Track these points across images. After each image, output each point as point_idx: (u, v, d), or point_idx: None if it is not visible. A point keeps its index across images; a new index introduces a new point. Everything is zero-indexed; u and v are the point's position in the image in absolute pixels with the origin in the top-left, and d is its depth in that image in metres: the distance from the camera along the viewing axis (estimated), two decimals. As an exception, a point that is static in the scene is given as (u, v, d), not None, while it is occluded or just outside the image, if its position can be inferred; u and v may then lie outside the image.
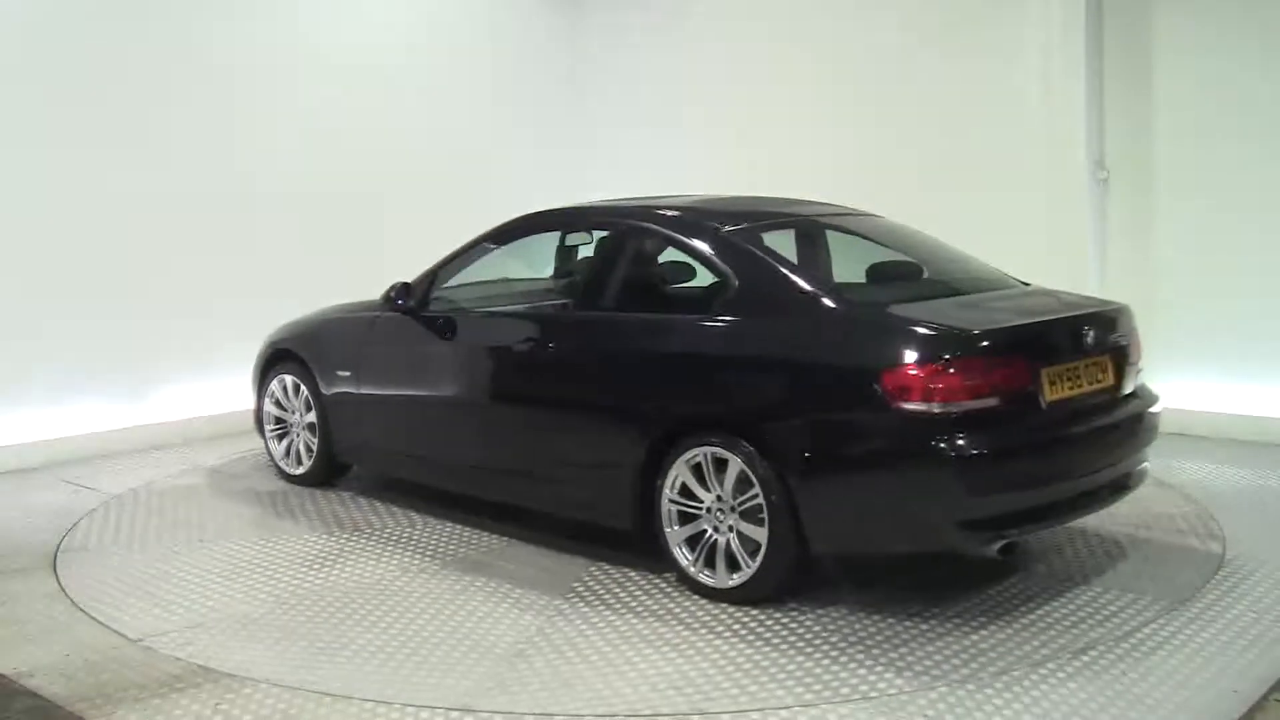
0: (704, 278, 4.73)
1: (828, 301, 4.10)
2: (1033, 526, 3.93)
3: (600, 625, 3.89)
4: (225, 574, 4.54)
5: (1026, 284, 4.80)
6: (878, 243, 4.96)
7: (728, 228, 4.48)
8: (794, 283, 4.19)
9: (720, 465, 4.00)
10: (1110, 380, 4.16)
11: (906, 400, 3.64)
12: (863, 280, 4.74)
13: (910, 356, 3.68)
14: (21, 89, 6.63)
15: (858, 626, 3.81)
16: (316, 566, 4.60)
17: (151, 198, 7.21)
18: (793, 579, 3.98)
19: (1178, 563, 4.41)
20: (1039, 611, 3.90)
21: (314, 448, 5.84)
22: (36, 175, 6.69)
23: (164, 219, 7.27)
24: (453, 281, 5.43)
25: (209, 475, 6.33)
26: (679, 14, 9.46)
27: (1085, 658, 3.49)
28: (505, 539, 4.93)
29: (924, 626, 3.78)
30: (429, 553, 4.79)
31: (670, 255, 4.81)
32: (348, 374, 5.60)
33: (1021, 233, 7.56)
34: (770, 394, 4.01)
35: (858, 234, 5.02)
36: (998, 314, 4.18)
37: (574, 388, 4.59)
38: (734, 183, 8.15)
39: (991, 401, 3.70)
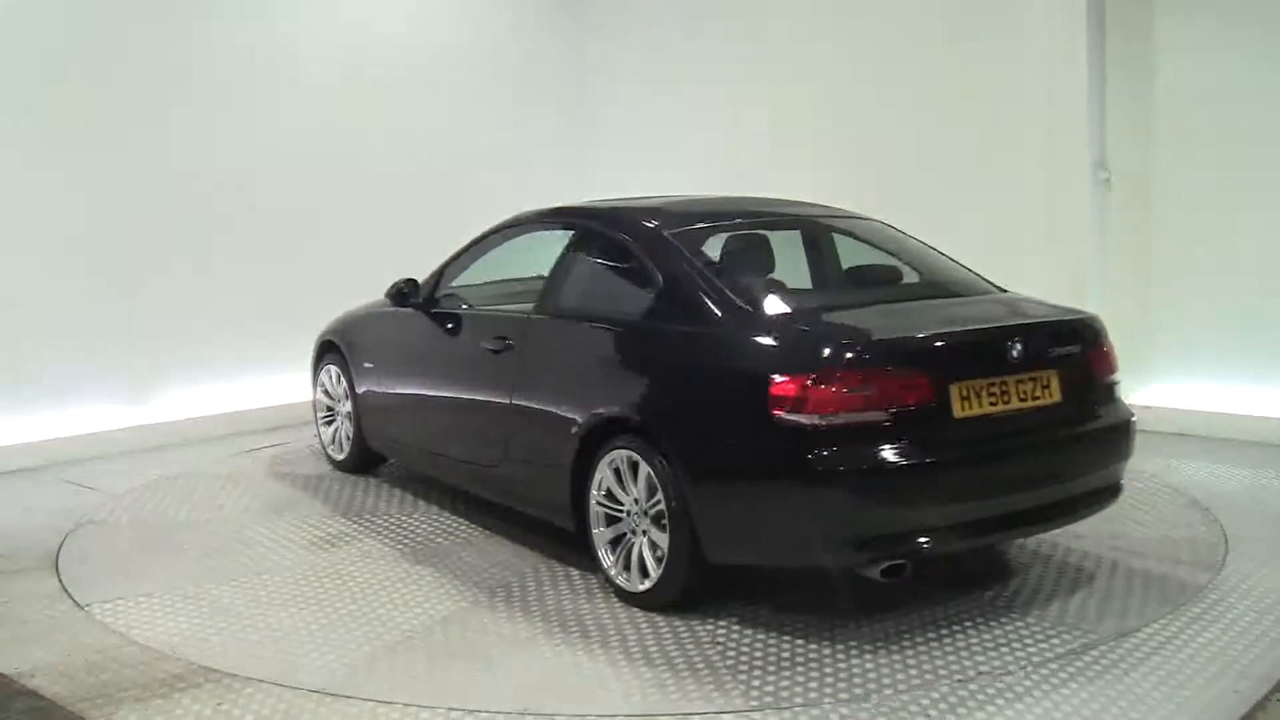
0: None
1: (733, 308, 3.96)
2: (930, 548, 3.65)
3: (499, 619, 3.97)
4: (225, 574, 4.54)
5: (1002, 290, 4.63)
6: (859, 243, 4.96)
7: (667, 230, 4.40)
8: (705, 287, 4.08)
9: (634, 469, 4.01)
10: (1055, 396, 3.89)
11: (787, 411, 3.52)
12: (806, 285, 4.71)
13: (792, 366, 3.58)
14: (22, 89, 6.63)
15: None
16: (316, 559, 4.61)
17: (152, 198, 7.21)
18: (700, 588, 3.92)
19: (1178, 563, 4.40)
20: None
21: (351, 436, 6.12)
22: (37, 175, 6.68)
23: (164, 219, 7.28)
24: (460, 279, 5.53)
25: (209, 475, 6.33)
26: (680, 15, 9.46)
27: (1085, 658, 3.49)
28: (485, 531, 5.05)
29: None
30: (401, 540, 4.87)
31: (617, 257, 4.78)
32: (371, 366, 5.90)
33: (1022, 233, 7.57)
34: (672, 399, 4.00)
35: (847, 235, 4.99)
36: (916, 324, 3.95)
37: (527, 388, 4.65)
38: (734, 183, 8.16)
39: (879, 415, 3.53)
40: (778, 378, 3.56)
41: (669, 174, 8.90)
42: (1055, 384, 3.92)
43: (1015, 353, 3.80)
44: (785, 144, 8.76)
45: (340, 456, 6.27)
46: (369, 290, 8.17)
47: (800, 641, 3.69)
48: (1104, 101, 7.14)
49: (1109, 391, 4.21)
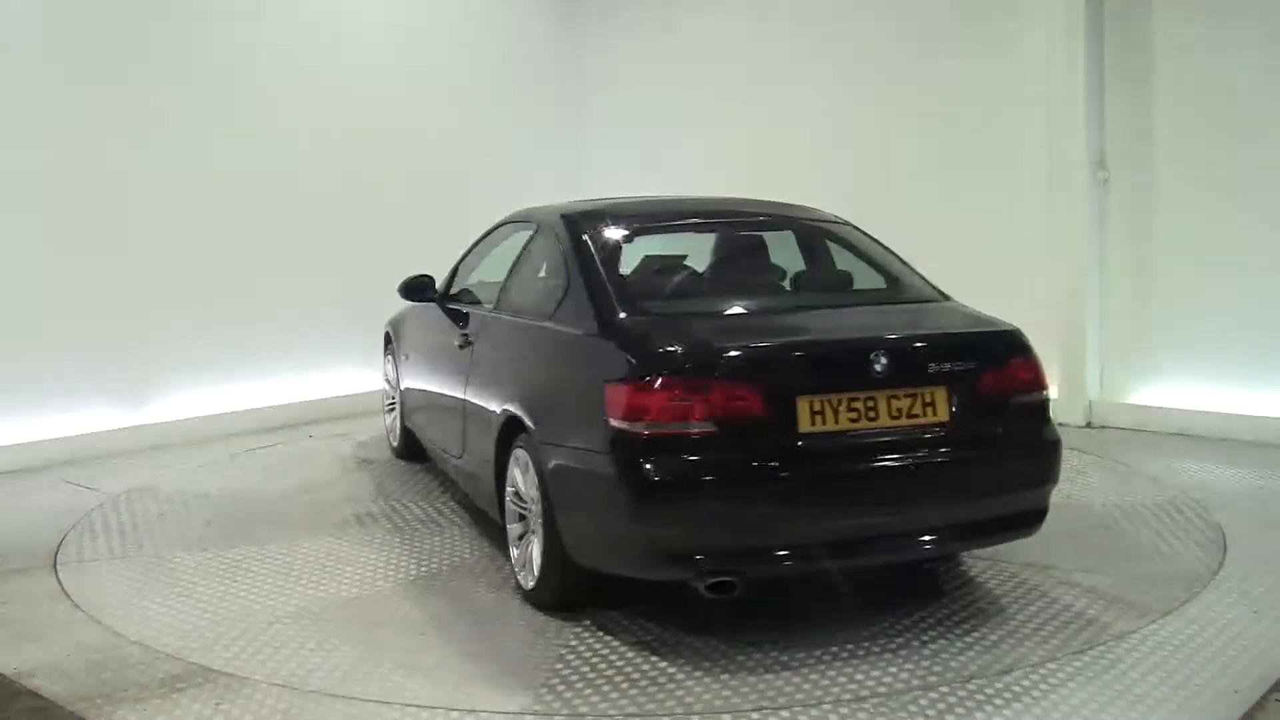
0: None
1: (608, 312, 3.92)
2: (764, 567, 3.55)
3: (415, 607, 4.12)
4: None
5: (944, 298, 4.38)
6: (806, 248, 4.94)
7: (587, 231, 4.37)
8: (595, 290, 4.06)
9: (528, 468, 4.03)
10: (940, 415, 3.63)
11: (618, 418, 3.47)
12: (722, 289, 4.57)
13: (625, 373, 3.55)
14: (22, 89, 6.63)
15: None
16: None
17: (152, 198, 7.21)
18: (577, 591, 3.89)
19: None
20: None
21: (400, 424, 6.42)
22: (37, 175, 6.68)
23: (164, 219, 7.28)
24: (478, 275, 5.61)
25: (209, 475, 6.33)
26: (679, 15, 9.46)
27: (1085, 658, 3.49)
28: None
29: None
30: (400, 540, 4.85)
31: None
32: (406, 358, 6.20)
33: (1022, 232, 7.58)
34: (546, 399, 4.04)
35: (801, 238, 4.95)
36: (772, 334, 3.84)
37: (474, 383, 4.77)
38: (734, 183, 8.17)
39: (707, 427, 3.42)
40: (612, 384, 3.54)
41: (669, 173, 8.92)
42: (942, 402, 3.64)
43: (879, 367, 3.56)
44: (784, 143, 8.76)
45: (395, 444, 6.60)
46: (369, 290, 8.18)
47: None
48: (1103, 101, 7.14)
49: (1026, 411, 3.84)
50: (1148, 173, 7.02)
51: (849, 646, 3.64)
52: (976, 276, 7.80)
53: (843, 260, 4.78)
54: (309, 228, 8.06)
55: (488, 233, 5.64)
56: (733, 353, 3.59)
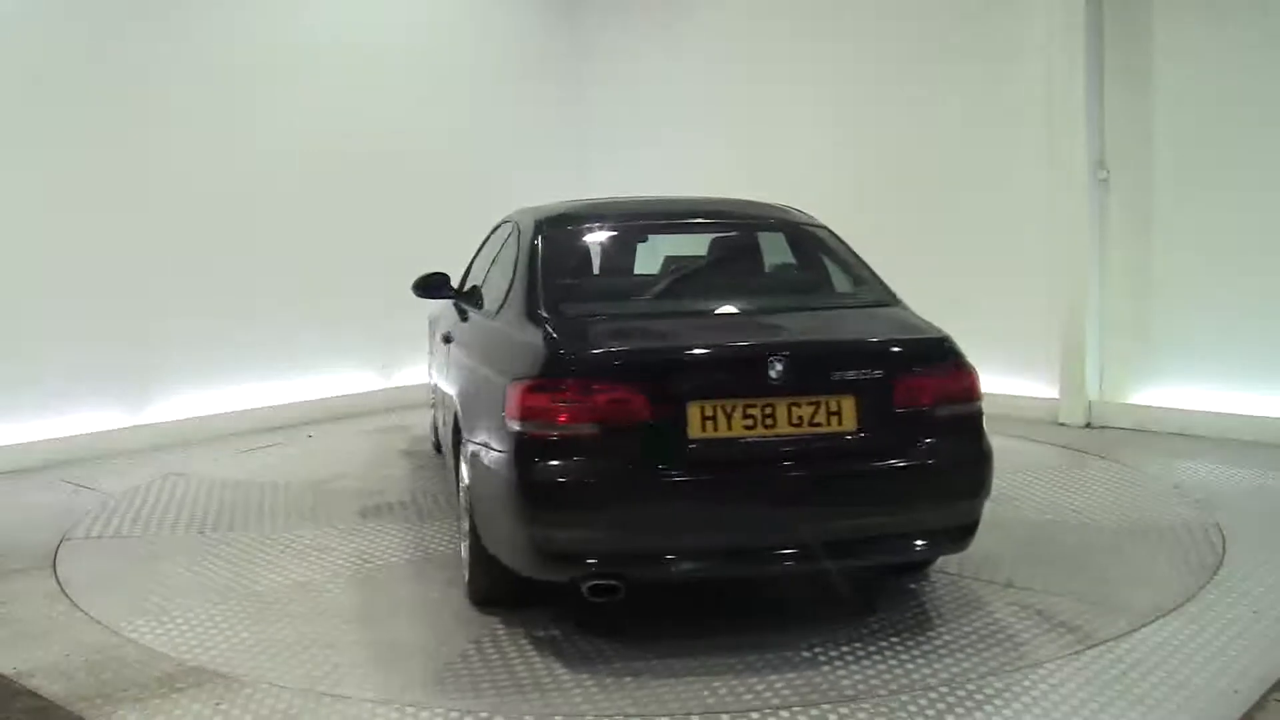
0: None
1: (529, 311, 3.96)
2: (650, 572, 3.52)
3: (359, 597, 4.20)
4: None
5: (893, 304, 4.19)
6: (766, 250, 4.91)
7: (542, 231, 4.40)
8: (527, 289, 4.09)
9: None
10: (847, 424, 3.52)
11: (512, 418, 3.49)
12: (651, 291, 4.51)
13: (518, 373, 3.56)
14: (23, 90, 6.63)
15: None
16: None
17: (153, 198, 7.22)
18: (503, 589, 3.89)
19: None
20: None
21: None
22: (37, 175, 6.69)
23: (165, 219, 7.29)
24: (477, 276, 5.61)
25: (208, 475, 6.33)
26: (679, 16, 9.47)
27: (1085, 657, 3.49)
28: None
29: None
30: (397, 536, 4.83)
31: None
32: (430, 353, 6.35)
33: (1022, 233, 7.58)
34: (474, 397, 4.09)
35: (762, 239, 4.93)
36: (666, 338, 3.81)
37: (448, 382, 4.89)
38: (734, 183, 8.17)
39: (590, 429, 3.40)
40: (510, 384, 3.56)
41: (670, 173, 8.92)
42: (849, 411, 3.52)
43: (774, 373, 3.45)
44: (785, 143, 8.77)
45: (432, 437, 6.67)
46: (368, 291, 8.18)
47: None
48: (1103, 101, 7.15)
49: (950, 422, 3.66)
50: (1148, 173, 7.02)
51: (844, 648, 3.63)
52: (977, 276, 7.85)
53: (801, 263, 4.74)
54: (309, 228, 8.06)
55: (492, 231, 5.68)
56: (619, 356, 3.60)
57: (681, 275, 4.62)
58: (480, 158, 9.20)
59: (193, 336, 7.43)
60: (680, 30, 9.46)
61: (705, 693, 3.32)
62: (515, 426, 3.47)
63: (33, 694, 3.40)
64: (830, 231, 4.69)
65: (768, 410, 3.47)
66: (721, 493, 3.49)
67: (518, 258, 4.37)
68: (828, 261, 4.59)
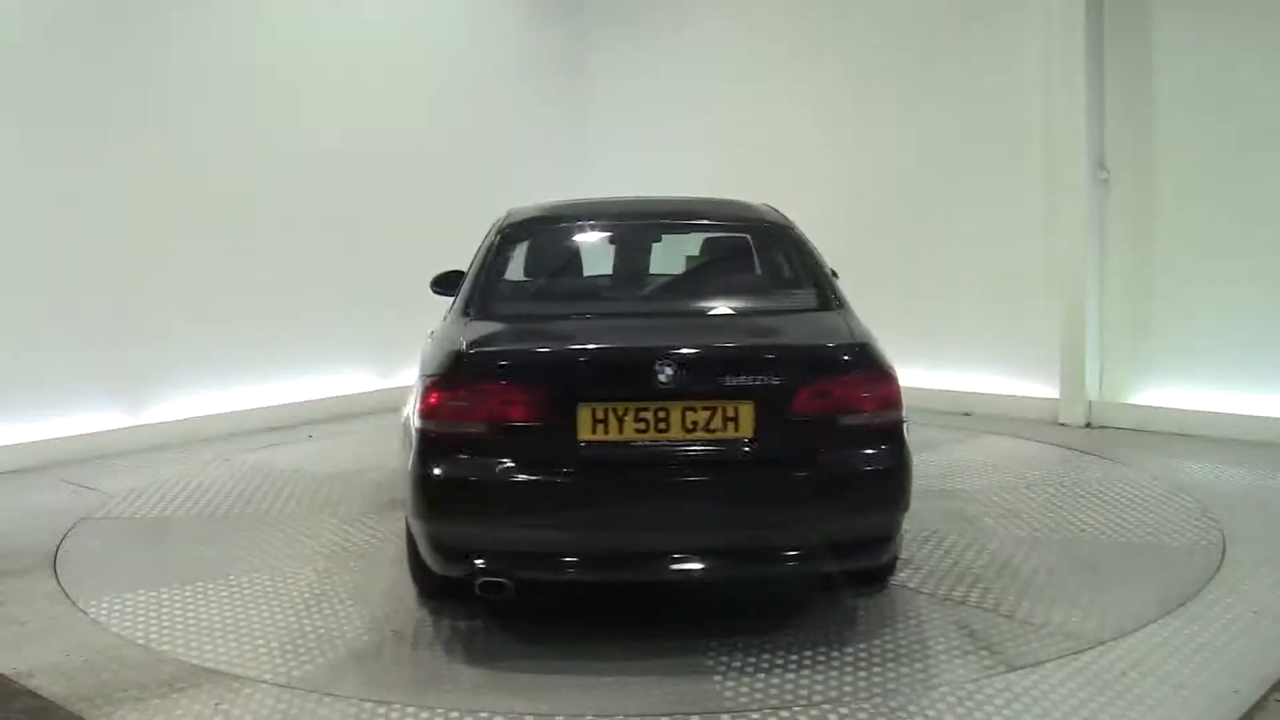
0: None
1: (462, 309, 4.08)
2: (538, 572, 3.55)
3: (321, 580, 4.29)
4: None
5: (831, 310, 4.10)
6: (713, 251, 4.90)
7: (504, 229, 4.50)
8: (463, 289, 4.22)
9: None
10: (744, 431, 3.45)
11: (417, 415, 3.59)
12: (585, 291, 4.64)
13: (427, 371, 3.64)
14: (22, 91, 6.63)
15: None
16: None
17: (153, 199, 7.22)
18: (433, 578, 3.86)
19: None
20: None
21: None
22: (36, 176, 6.69)
23: (165, 219, 7.29)
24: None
25: (208, 476, 6.33)
26: (680, 17, 9.47)
27: (1084, 657, 3.49)
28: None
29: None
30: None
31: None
32: None
33: (1022, 233, 7.59)
34: (413, 393, 4.08)
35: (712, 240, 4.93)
36: (562, 339, 3.88)
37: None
38: (735, 183, 8.16)
39: (480, 428, 3.47)
40: (420, 381, 3.64)
41: (670, 173, 8.91)
42: (747, 417, 3.45)
43: (663, 377, 3.42)
44: (785, 142, 8.77)
45: None
46: (368, 291, 8.18)
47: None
48: (1103, 101, 7.15)
49: (862, 432, 3.56)
50: (1148, 173, 7.03)
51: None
52: (977, 277, 7.85)
53: (750, 265, 4.73)
54: (309, 228, 8.05)
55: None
56: (512, 357, 3.68)
57: (621, 277, 4.68)
58: (480, 158, 9.19)
59: (193, 337, 7.42)
60: (681, 31, 9.47)
61: (586, 695, 3.30)
62: (418, 424, 3.56)
63: (33, 694, 3.40)
64: (793, 233, 4.55)
65: (660, 414, 3.44)
66: (610, 496, 3.47)
67: (475, 258, 4.47)
68: (779, 264, 4.54)
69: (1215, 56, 6.69)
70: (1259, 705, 3.17)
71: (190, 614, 4.08)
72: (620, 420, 3.43)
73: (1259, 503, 5.29)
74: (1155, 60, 6.94)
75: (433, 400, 3.53)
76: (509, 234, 4.50)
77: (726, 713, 3.19)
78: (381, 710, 3.23)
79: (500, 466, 3.46)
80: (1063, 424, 7.29)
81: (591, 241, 4.91)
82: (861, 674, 3.41)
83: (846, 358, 3.64)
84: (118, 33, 7.06)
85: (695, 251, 4.95)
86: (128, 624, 3.97)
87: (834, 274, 4.91)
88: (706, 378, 3.49)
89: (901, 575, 4.25)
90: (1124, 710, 3.12)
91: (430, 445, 3.53)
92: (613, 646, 3.65)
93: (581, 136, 10.07)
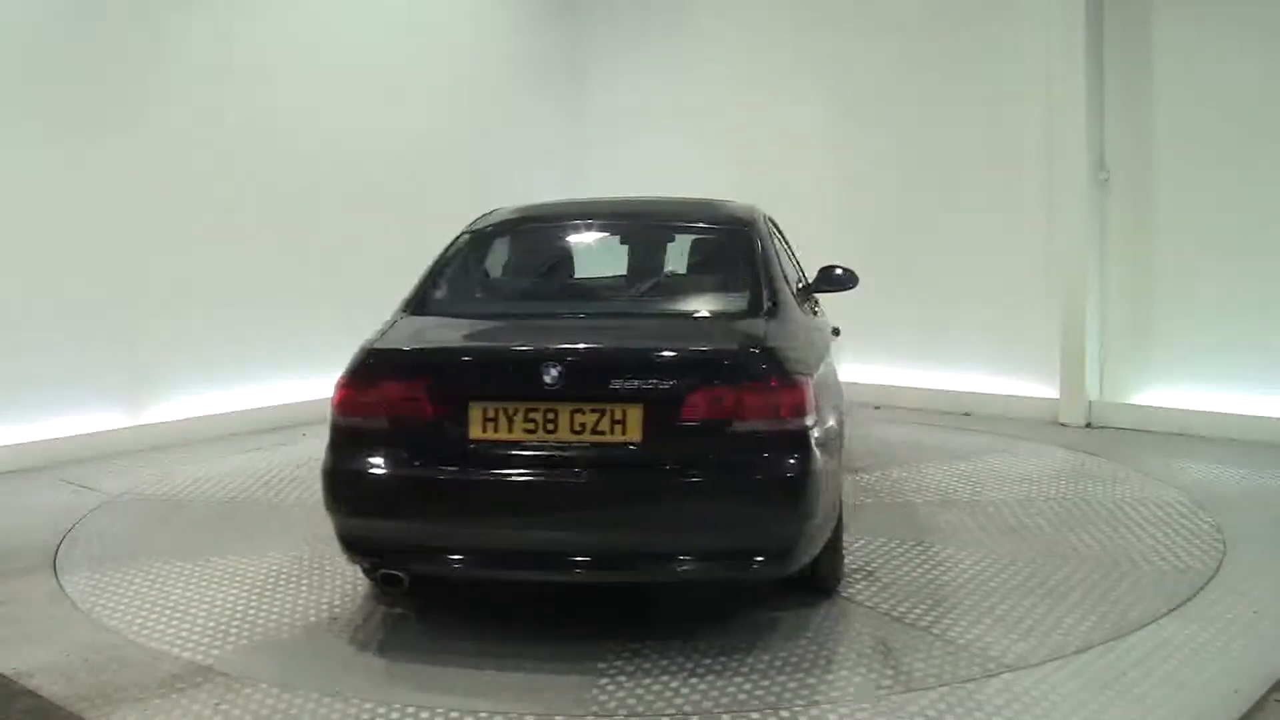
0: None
1: (399, 309, 4.22)
2: (432, 567, 3.64)
3: (294, 568, 4.12)
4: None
5: (751, 315, 3.99)
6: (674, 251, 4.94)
7: (473, 229, 4.65)
8: (425, 283, 4.36)
9: None
10: (631, 435, 3.43)
11: (331, 409, 3.71)
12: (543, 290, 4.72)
13: (346, 368, 3.73)
14: (21, 91, 6.63)
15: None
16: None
17: (154, 199, 7.23)
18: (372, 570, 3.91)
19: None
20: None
21: None
22: (36, 177, 6.69)
23: (165, 219, 7.29)
24: None
25: (208, 475, 6.33)
26: (680, 18, 9.47)
27: (1085, 657, 3.48)
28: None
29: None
30: None
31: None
32: None
33: (1022, 233, 7.59)
34: None
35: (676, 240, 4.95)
36: (478, 339, 3.99)
37: None
38: (735, 183, 8.17)
39: (381, 424, 3.57)
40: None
41: (670, 173, 8.92)
42: (635, 421, 3.43)
43: (549, 378, 3.44)
44: (785, 143, 8.77)
45: None
46: (368, 291, 8.16)
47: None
48: (1103, 101, 7.15)
49: (758, 439, 3.46)
50: (1148, 173, 7.03)
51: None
52: (977, 277, 7.86)
53: (692, 268, 4.74)
54: (309, 228, 8.06)
55: None
56: (408, 355, 3.76)
57: (563, 278, 4.75)
58: (480, 158, 9.19)
59: (192, 337, 7.43)
60: (681, 32, 9.47)
61: (479, 691, 3.33)
62: (330, 418, 3.69)
63: (33, 694, 3.39)
64: (750, 236, 4.42)
65: (550, 415, 3.46)
66: (499, 495, 3.50)
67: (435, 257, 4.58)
68: (727, 266, 4.49)
69: (1215, 56, 6.69)
70: (1259, 705, 3.16)
71: (191, 614, 4.07)
72: (510, 420, 3.48)
73: (1259, 503, 5.29)
74: (1155, 60, 6.94)
75: (340, 396, 3.66)
76: (468, 235, 4.65)
77: (727, 712, 3.18)
78: (382, 710, 3.24)
79: (397, 463, 3.55)
80: (1063, 424, 7.29)
81: (546, 243, 4.94)
82: (746, 685, 3.33)
83: (742, 364, 3.56)
84: (119, 33, 7.07)
85: (653, 253, 4.98)
86: (128, 624, 3.97)
87: (847, 275, 5.03)
88: (594, 380, 3.49)
89: (856, 587, 4.14)
90: (1124, 710, 3.12)
91: (337, 440, 3.66)
92: (528, 644, 3.66)
93: (581, 137, 10.08)
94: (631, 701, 3.25)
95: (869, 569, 4.36)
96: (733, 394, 3.44)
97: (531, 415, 3.46)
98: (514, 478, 3.48)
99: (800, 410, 3.48)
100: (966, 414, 7.75)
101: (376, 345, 3.79)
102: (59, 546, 4.96)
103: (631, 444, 3.43)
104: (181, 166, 7.37)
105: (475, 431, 3.49)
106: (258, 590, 4.33)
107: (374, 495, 3.63)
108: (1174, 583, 4.16)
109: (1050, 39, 7.27)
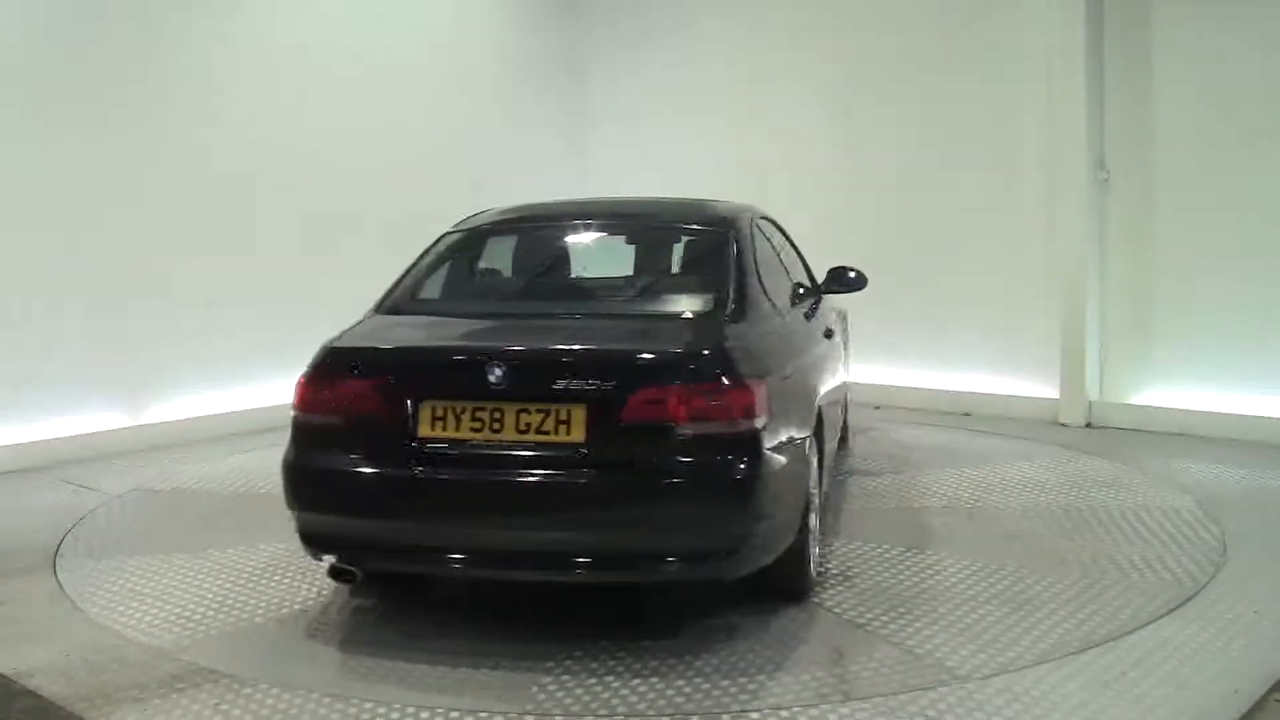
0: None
1: (372, 308, 4.33)
2: (372, 562, 3.75)
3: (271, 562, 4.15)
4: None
5: (709, 317, 3.95)
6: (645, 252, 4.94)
7: (458, 230, 4.77)
8: (397, 281, 4.48)
9: None
10: (575, 435, 3.43)
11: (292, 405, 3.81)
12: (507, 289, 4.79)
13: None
14: (21, 91, 6.63)
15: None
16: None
17: (153, 199, 7.23)
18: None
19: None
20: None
21: None
22: (36, 177, 6.69)
23: (165, 219, 7.29)
24: None
25: (208, 476, 6.33)
26: (679, 18, 9.47)
27: (1085, 657, 3.48)
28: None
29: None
30: None
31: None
32: None
33: (1022, 233, 7.59)
34: None
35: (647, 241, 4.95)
36: (428, 339, 4.04)
37: None
38: (735, 183, 8.17)
39: (336, 420, 3.67)
40: None
41: (670, 173, 8.92)
42: (579, 421, 3.44)
43: (493, 378, 3.47)
44: (785, 143, 8.77)
45: None
46: (368, 291, 8.11)
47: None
48: (1103, 101, 7.15)
49: (702, 442, 3.44)
50: (1148, 173, 7.02)
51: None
52: (978, 277, 7.86)
53: (667, 269, 4.74)
54: (309, 228, 8.06)
55: None
56: (361, 354, 3.80)
57: (534, 279, 4.79)
58: (480, 158, 9.19)
59: (193, 337, 7.43)
60: (681, 31, 9.46)
61: (415, 686, 3.37)
62: (292, 412, 3.79)
63: (33, 694, 3.40)
64: (730, 239, 4.32)
65: (496, 415, 3.50)
66: (446, 493, 3.55)
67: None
68: (701, 268, 4.47)
69: (1215, 56, 6.69)
70: (1259, 705, 3.16)
71: (191, 614, 4.07)
72: (458, 419, 3.52)
73: (1259, 503, 5.29)
74: (1155, 60, 6.94)
75: (299, 393, 3.76)
76: (445, 236, 4.74)
77: (727, 712, 3.18)
78: (381, 710, 3.24)
79: (351, 460, 3.62)
80: (1063, 424, 7.29)
81: (521, 244, 4.96)
82: (687, 689, 3.31)
83: (687, 365, 3.52)
84: (119, 33, 7.07)
85: (628, 254, 4.98)
86: (127, 624, 3.97)
87: (858, 278, 5.15)
88: (538, 380, 3.52)
89: (829, 593, 4.08)
90: (1124, 710, 3.12)
91: (296, 436, 3.78)
92: (479, 641, 3.68)
93: (581, 137, 10.08)
94: (569, 701, 3.25)
95: (849, 574, 4.30)
96: (675, 395, 3.43)
97: (479, 414, 3.51)
98: (460, 477, 3.54)
99: (750, 412, 3.46)
100: (966, 414, 7.75)
101: (335, 344, 3.85)
102: (59, 546, 4.96)
103: (575, 444, 3.45)
104: (182, 166, 7.37)
105: (425, 430, 3.54)
106: (259, 591, 4.34)
107: (329, 492, 3.70)
108: (1174, 582, 4.15)
109: (1050, 39, 7.27)
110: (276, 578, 4.48)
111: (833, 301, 5.96)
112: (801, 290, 5.13)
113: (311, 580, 4.42)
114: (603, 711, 3.19)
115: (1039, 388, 7.50)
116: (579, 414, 3.45)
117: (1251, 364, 6.65)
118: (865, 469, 6.14)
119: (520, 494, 3.49)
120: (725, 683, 3.36)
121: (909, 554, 4.57)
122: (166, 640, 3.81)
